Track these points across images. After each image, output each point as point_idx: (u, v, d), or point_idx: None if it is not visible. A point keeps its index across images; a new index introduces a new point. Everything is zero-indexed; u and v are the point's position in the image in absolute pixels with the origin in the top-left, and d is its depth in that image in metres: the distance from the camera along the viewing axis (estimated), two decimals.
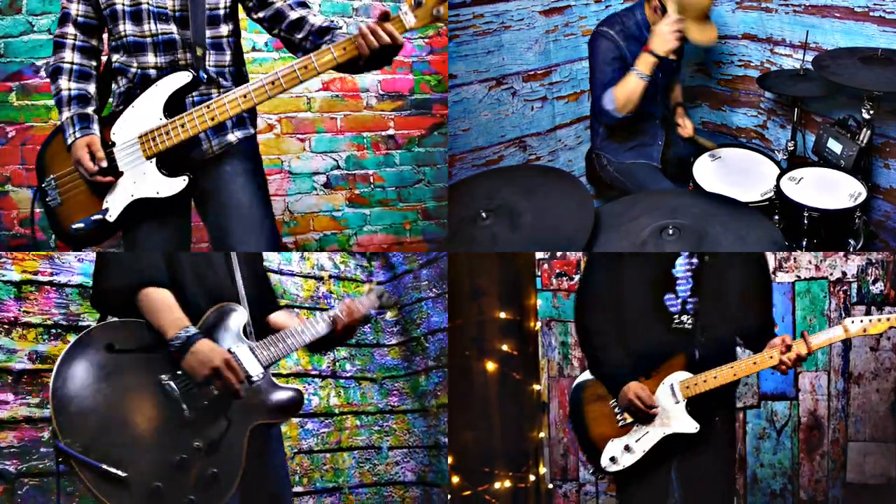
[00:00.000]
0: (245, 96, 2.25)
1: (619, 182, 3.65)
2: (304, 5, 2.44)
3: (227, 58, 2.45)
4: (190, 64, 2.34)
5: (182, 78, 2.30)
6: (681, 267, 2.38)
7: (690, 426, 2.33)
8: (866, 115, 3.02)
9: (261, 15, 2.44)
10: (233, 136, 2.47)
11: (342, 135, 3.99)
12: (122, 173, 2.32)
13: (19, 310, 2.72)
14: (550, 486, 2.44)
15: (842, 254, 3.22)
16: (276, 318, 2.27)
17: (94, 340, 1.89)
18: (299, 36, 2.41)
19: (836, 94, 3.28)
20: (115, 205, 2.33)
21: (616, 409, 2.40)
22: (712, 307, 2.36)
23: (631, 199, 2.86)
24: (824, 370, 3.36)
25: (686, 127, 3.69)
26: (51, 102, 3.44)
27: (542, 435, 2.43)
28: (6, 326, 2.68)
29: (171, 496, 1.82)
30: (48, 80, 2.38)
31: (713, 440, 2.37)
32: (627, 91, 3.27)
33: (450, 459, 2.34)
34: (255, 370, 2.00)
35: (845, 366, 3.34)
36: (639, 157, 3.56)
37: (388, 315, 2.37)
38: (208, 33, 2.37)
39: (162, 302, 1.94)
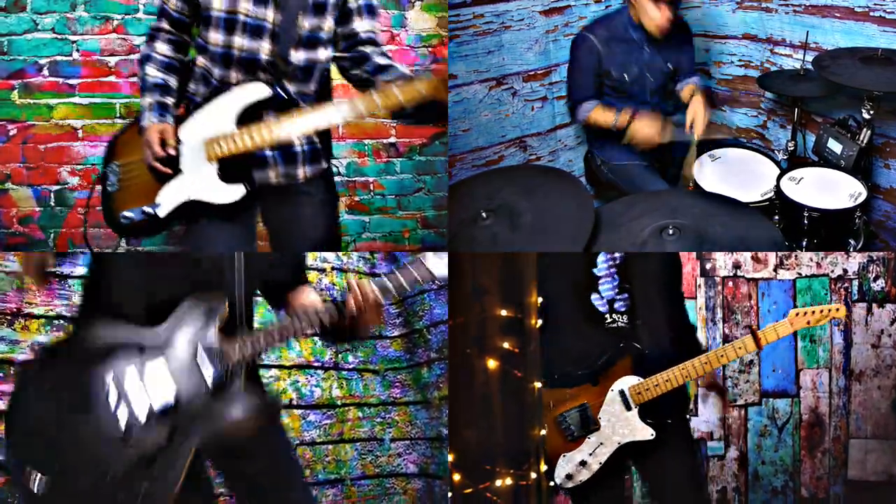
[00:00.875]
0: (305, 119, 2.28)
1: (614, 182, 3.65)
2: (385, 55, 2.49)
3: (312, 86, 2.43)
4: (270, 82, 2.34)
5: (260, 91, 2.30)
6: (602, 265, 2.33)
7: (647, 434, 2.27)
8: (866, 115, 3.02)
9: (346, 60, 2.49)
10: (301, 171, 2.47)
11: (343, 141, 3.99)
12: (181, 172, 2.32)
13: (21, 301, 2.75)
14: (551, 483, 2.42)
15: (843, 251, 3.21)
16: (296, 295, 2.14)
17: (35, 367, 1.89)
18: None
19: (837, 95, 3.27)
20: (167, 201, 2.33)
21: (563, 421, 2.32)
22: (644, 304, 2.31)
23: (631, 198, 2.86)
24: (825, 367, 3.37)
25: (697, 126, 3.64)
26: (53, 101, 3.47)
27: (543, 433, 2.41)
28: (8, 318, 2.72)
29: None
30: (136, 66, 2.50)
31: (673, 444, 2.30)
32: (600, 121, 3.43)
33: (451, 457, 2.33)
34: (208, 372, 1.82)
35: (846, 363, 3.35)
36: (632, 158, 3.56)
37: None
38: (301, 55, 2.37)
39: None
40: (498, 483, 2.29)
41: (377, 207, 4.10)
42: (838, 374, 3.36)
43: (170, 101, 2.37)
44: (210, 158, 2.30)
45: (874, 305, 3.35)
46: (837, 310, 2.26)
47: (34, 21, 3.41)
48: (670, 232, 2.45)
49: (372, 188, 4.08)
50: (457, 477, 2.29)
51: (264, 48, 2.33)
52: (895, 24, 3.10)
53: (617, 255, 2.33)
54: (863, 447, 3.31)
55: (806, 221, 2.93)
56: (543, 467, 2.31)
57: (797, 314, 2.25)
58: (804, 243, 3.01)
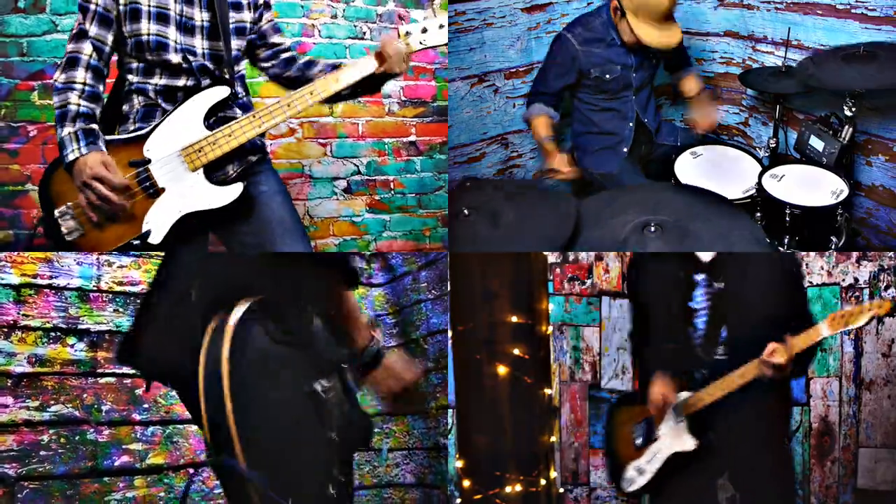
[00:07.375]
0: (289, 105, 2.29)
1: (596, 179, 3.63)
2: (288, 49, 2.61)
3: (243, 66, 2.51)
4: (223, 77, 2.35)
5: (221, 92, 2.30)
6: (699, 297, 2.39)
7: (688, 444, 2.38)
8: (848, 113, 3.02)
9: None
10: (252, 156, 2.45)
11: (363, 140, 3.97)
12: (163, 190, 2.22)
13: (18, 313, 2.73)
14: (561, 490, 2.47)
15: (854, 259, 3.21)
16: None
17: (257, 320, 1.52)
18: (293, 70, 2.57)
19: (819, 92, 3.26)
20: (159, 224, 2.21)
21: (634, 432, 2.49)
22: (741, 337, 2.35)
23: (609, 194, 2.83)
24: (836, 376, 3.33)
25: (700, 125, 3.58)
26: None
27: (553, 439, 2.43)
28: (5, 330, 2.69)
29: None
30: (54, 93, 2.24)
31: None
32: (537, 131, 3.50)
33: (460, 463, 2.32)
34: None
35: (857, 372, 3.31)
36: (600, 166, 3.54)
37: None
38: (234, 44, 2.40)
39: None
40: (508, 489, 2.28)
41: (397, 206, 4.07)
42: (849, 383, 3.32)
43: (96, 128, 2.20)
44: (194, 168, 2.24)
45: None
46: (880, 306, 2.14)
47: (53, 22, 3.35)
48: (651, 229, 2.42)
49: (392, 187, 4.05)
50: (467, 483, 2.27)
51: (200, 43, 2.34)
52: (877, 21, 3.10)
53: (714, 285, 2.38)
54: (873, 456, 3.28)
55: (788, 219, 2.92)
56: (553, 473, 2.31)
57: (833, 318, 2.17)
58: (786, 241, 2.99)
